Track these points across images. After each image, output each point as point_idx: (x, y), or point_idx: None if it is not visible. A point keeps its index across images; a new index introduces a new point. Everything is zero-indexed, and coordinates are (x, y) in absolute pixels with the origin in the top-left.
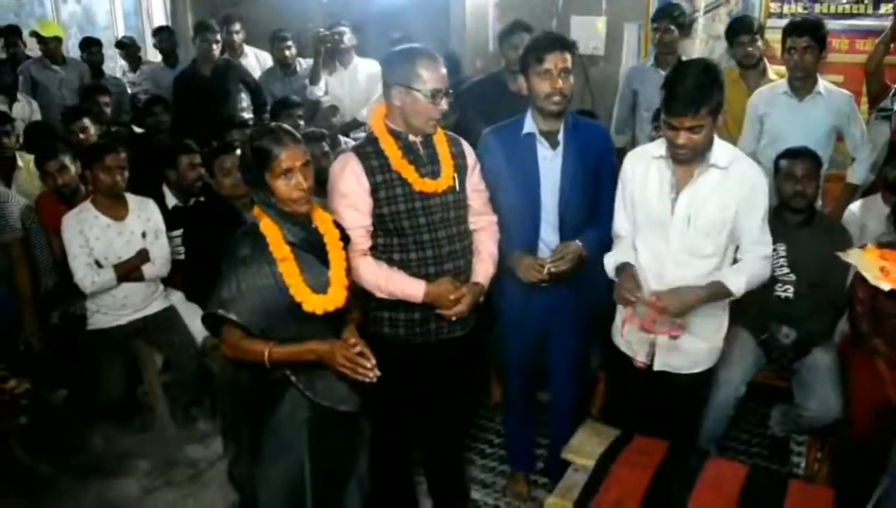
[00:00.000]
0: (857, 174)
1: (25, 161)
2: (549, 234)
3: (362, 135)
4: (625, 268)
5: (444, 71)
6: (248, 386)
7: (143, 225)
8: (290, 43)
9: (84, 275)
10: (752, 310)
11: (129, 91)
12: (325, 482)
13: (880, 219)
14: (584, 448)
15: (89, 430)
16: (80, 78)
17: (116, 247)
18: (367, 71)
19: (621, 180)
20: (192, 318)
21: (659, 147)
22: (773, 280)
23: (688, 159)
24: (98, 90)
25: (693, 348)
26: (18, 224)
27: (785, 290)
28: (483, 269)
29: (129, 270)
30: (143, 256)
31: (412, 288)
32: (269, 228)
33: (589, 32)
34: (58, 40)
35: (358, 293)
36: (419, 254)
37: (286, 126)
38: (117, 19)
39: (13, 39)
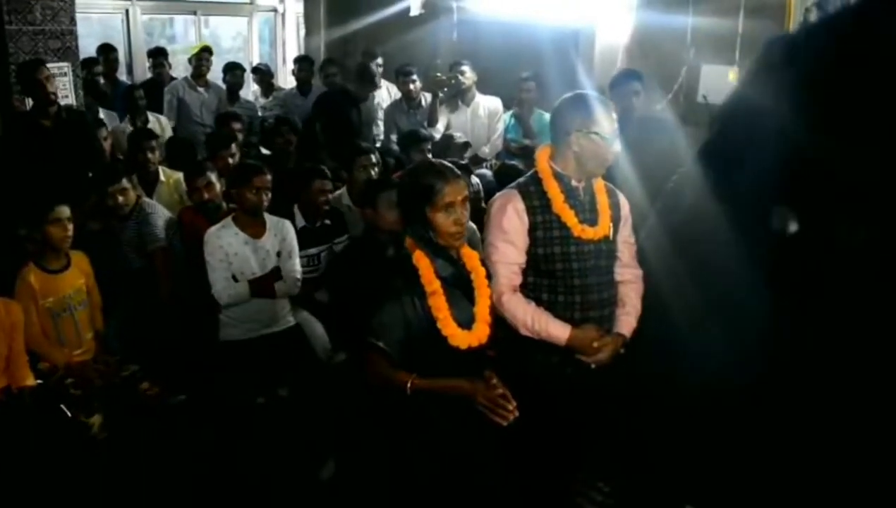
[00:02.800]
0: None
1: (167, 176)
2: None
3: (485, 171)
4: None
5: (613, 116)
6: (384, 414)
7: (279, 244)
8: (414, 77)
9: (222, 288)
10: None
11: (260, 115)
12: None
13: None
14: None
15: (208, 436)
16: (219, 101)
17: (252, 264)
18: (488, 107)
19: None
20: (317, 337)
21: None
22: None
23: None
24: (232, 117)
25: None
26: (163, 235)
27: None
28: (627, 322)
29: (263, 286)
30: (276, 274)
31: (557, 330)
32: (422, 261)
33: (720, 82)
34: (209, 52)
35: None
36: (567, 297)
37: (445, 162)
38: (253, 46)
39: (160, 60)
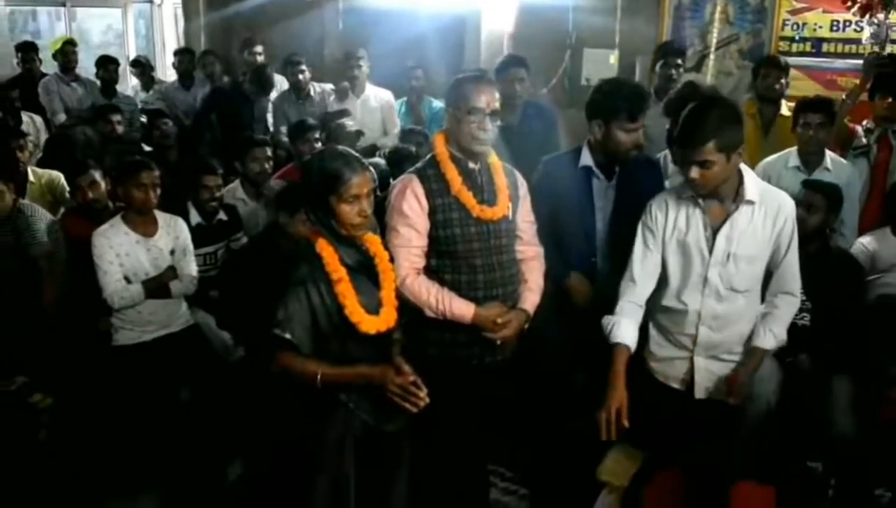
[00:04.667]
0: None
1: (38, 176)
2: (601, 260)
3: (378, 160)
4: (623, 353)
5: (493, 94)
6: (297, 405)
7: (172, 242)
8: (303, 67)
9: (114, 291)
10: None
11: (140, 108)
12: (368, 501)
13: (891, 251)
14: (618, 469)
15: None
16: (93, 96)
17: (145, 264)
18: (380, 99)
19: (646, 226)
20: (216, 336)
21: (685, 188)
22: None
23: (705, 194)
24: (110, 109)
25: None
26: (45, 238)
27: (801, 318)
28: (530, 298)
29: (158, 287)
30: (171, 273)
31: (461, 309)
32: (325, 249)
33: (601, 65)
34: (72, 44)
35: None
36: (470, 276)
37: (353, 152)
38: (128, 39)
39: (30, 55)
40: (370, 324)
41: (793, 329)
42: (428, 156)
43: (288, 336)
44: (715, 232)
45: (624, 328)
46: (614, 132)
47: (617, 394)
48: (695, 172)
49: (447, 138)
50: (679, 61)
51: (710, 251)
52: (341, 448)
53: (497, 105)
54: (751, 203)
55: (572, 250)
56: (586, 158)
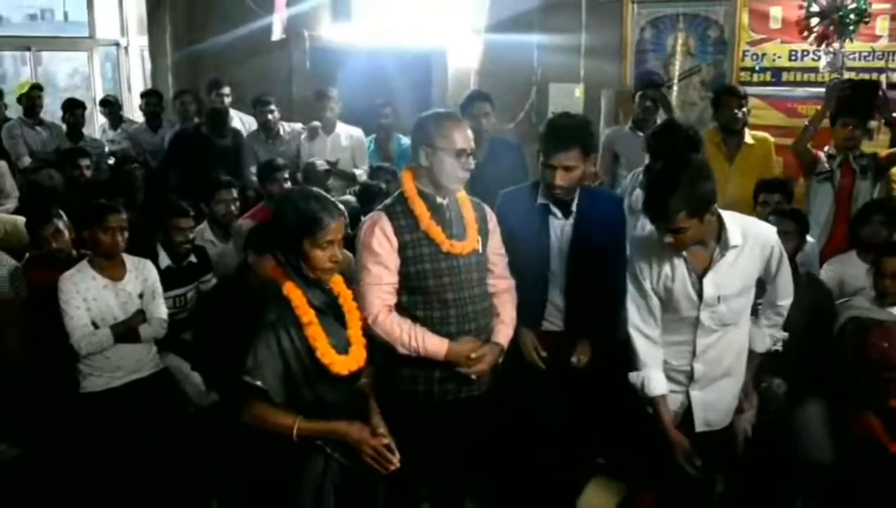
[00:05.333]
0: None
1: (2, 222)
2: (556, 297)
3: (349, 197)
4: (663, 402)
5: (469, 133)
6: (273, 454)
7: (141, 285)
8: (272, 107)
9: (81, 336)
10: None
11: (107, 149)
12: None
13: (856, 275)
14: (596, 501)
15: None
16: (58, 140)
17: (113, 308)
18: (350, 137)
19: (633, 276)
20: (188, 380)
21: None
22: None
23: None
24: (78, 153)
25: (726, 402)
26: (7, 284)
27: (775, 343)
28: (504, 331)
29: (126, 331)
30: (140, 317)
31: (435, 345)
32: (293, 292)
33: (567, 99)
34: (39, 88)
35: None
36: (442, 312)
37: (326, 194)
38: (95, 82)
39: None
40: (342, 365)
41: (765, 354)
42: (396, 193)
43: (259, 383)
44: (700, 276)
45: (655, 381)
46: (541, 167)
47: (678, 441)
48: (669, 238)
49: (415, 174)
50: (655, 93)
51: (700, 295)
52: (321, 494)
53: (473, 144)
54: (736, 247)
55: (527, 288)
56: (544, 195)
